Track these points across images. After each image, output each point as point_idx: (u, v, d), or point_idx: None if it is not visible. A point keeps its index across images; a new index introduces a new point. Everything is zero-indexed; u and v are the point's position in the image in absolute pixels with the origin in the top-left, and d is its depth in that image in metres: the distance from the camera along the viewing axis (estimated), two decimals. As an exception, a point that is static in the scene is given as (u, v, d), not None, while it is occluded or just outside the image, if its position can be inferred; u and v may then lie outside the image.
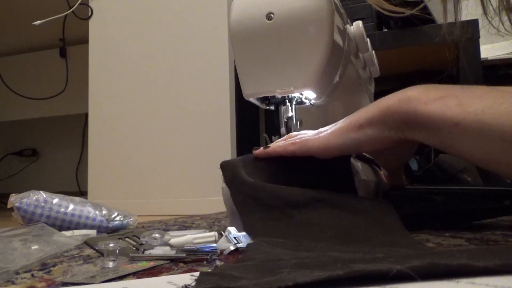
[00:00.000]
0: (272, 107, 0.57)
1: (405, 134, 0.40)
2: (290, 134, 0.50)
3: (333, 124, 0.46)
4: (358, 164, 0.53)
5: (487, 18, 0.56)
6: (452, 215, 0.49)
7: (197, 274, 0.28)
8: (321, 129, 0.47)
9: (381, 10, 0.56)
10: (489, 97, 0.34)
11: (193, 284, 0.25)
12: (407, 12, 0.57)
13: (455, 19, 0.58)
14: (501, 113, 0.33)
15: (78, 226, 0.66)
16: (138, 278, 0.32)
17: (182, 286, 0.27)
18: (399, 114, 0.39)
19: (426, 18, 0.79)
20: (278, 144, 0.48)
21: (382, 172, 0.57)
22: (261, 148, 0.49)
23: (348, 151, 0.45)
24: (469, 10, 0.62)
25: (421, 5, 0.58)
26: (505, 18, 0.54)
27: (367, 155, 0.58)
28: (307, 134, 0.48)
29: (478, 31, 1.02)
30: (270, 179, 0.46)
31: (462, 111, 0.35)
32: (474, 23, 1.00)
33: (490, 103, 0.34)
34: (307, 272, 0.23)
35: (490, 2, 0.54)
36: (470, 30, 0.93)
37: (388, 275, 0.22)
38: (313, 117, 0.61)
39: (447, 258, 0.23)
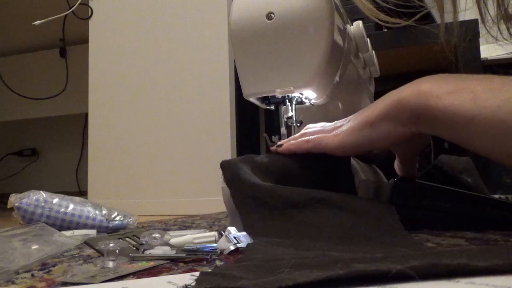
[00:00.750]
0: (272, 107, 0.57)
1: (418, 128, 0.39)
2: (308, 126, 0.50)
3: (348, 119, 0.45)
4: (358, 164, 0.53)
5: (485, 28, 0.56)
6: (456, 218, 0.49)
7: (197, 274, 0.28)
8: (337, 123, 0.47)
9: (378, 21, 0.56)
10: (505, 91, 0.33)
11: (193, 284, 0.25)
12: (403, 23, 0.57)
13: (453, 30, 0.58)
14: None
15: (78, 226, 0.66)
16: (138, 278, 0.32)
17: (182, 286, 0.27)
18: (411, 108, 0.38)
19: (424, 28, 0.79)
20: (291, 142, 0.48)
21: (395, 162, 0.56)
22: (274, 146, 0.49)
23: (363, 148, 0.45)
24: (467, 17, 0.62)
25: (417, 17, 0.58)
26: (503, 27, 0.54)
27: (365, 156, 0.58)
28: (324, 126, 0.48)
29: (478, 31, 1.02)
30: (270, 179, 0.46)
31: (477, 107, 0.34)
32: (474, 23, 1.00)
33: (507, 97, 0.32)
34: (307, 272, 0.23)
35: (488, 11, 0.54)
36: (470, 32, 0.94)
37: (388, 275, 0.22)
38: (313, 117, 0.61)
39: (447, 258, 0.23)
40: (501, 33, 0.55)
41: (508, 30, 0.54)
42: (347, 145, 0.44)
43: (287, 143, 0.48)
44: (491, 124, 0.33)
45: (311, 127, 0.50)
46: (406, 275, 0.22)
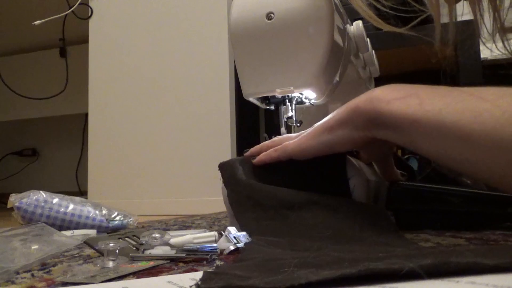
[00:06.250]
0: (272, 107, 0.57)
1: (372, 133, 0.41)
2: (273, 139, 0.52)
3: (311, 127, 0.47)
4: (358, 164, 0.53)
5: (481, 41, 0.58)
6: (454, 216, 0.49)
7: (197, 274, 0.28)
8: (302, 132, 0.49)
9: (378, 25, 0.57)
10: (448, 96, 0.35)
11: (201, 282, 0.25)
12: (404, 31, 0.58)
13: (448, 39, 0.59)
14: (457, 111, 0.34)
15: (78, 226, 0.66)
16: (138, 278, 0.32)
17: (191, 286, 0.26)
18: (365, 113, 0.40)
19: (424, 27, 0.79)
20: (263, 154, 0.50)
21: (374, 166, 0.57)
22: (248, 153, 0.51)
23: (322, 152, 0.46)
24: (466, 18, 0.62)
25: (416, 21, 0.59)
26: (498, 39, 0.55)
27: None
28: (290, 137, 0.50)
29: (478, 31, 1.02)
30: (267, 179, 0.47)
31: (421, 109, 0.36)
32: (473, 24, 1.00)
33: (448, 102, 0.35)
34: (317, 271, 0.23)
35: (484, 24, 0.55)
36: (469, 31, 0.94)
37: (400, 273, 0.22)
38: (313, 117, 0.61)
39: (456, 256, 0.23)
40: (496, 45, 0.56)
41: (503, 43, 0.55)
42: (306, 148, 0.46)
43: (261, 155, 0.50)
44: (432, 126, 0.35)
45: (276, 140, 0.51)
46: (415, 273, 0.22)
